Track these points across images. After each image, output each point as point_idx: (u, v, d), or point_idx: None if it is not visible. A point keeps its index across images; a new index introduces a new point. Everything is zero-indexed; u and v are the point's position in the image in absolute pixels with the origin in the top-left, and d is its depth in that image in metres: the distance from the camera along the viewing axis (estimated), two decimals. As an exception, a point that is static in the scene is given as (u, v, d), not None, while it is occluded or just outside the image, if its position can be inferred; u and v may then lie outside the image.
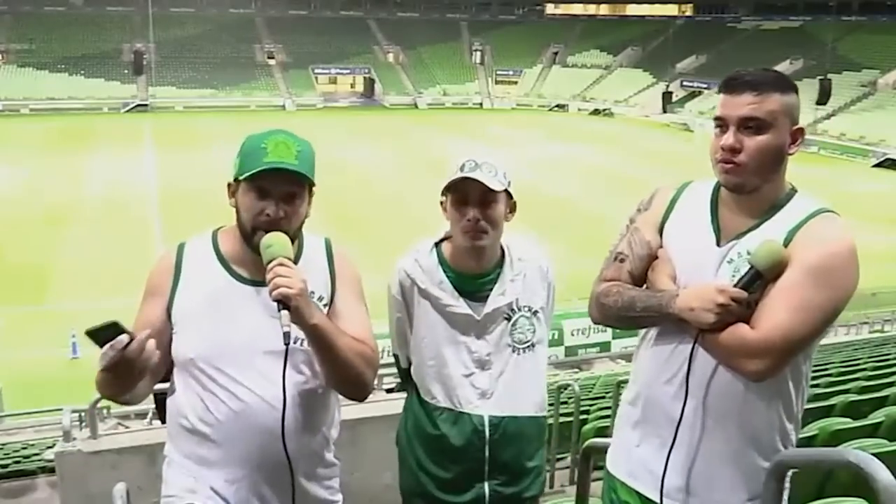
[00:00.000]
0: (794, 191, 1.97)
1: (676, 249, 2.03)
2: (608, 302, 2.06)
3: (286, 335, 1.93)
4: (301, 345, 2.06)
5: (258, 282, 2.07)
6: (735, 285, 1.86)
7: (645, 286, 2.07)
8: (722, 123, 1.92)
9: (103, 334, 1.83)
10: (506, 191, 2.36)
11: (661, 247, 2.06)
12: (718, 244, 1.96)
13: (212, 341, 2.08)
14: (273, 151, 2.02)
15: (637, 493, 2.09)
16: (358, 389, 2.16)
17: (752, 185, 1.91)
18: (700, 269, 1.95)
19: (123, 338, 1.83)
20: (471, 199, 2.31)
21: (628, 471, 2.12)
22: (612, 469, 2.19)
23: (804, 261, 1.83)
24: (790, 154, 1.93)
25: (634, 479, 2.10)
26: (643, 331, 2.13)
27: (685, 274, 1.99)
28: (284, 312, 1.94)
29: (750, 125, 1.87)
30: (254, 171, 2.01)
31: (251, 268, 2.10)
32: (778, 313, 1.81)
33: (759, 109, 1.87)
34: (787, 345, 1.82)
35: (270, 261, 1.97)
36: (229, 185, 2.13)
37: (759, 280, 1.84)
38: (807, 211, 1.90)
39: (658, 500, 2.02)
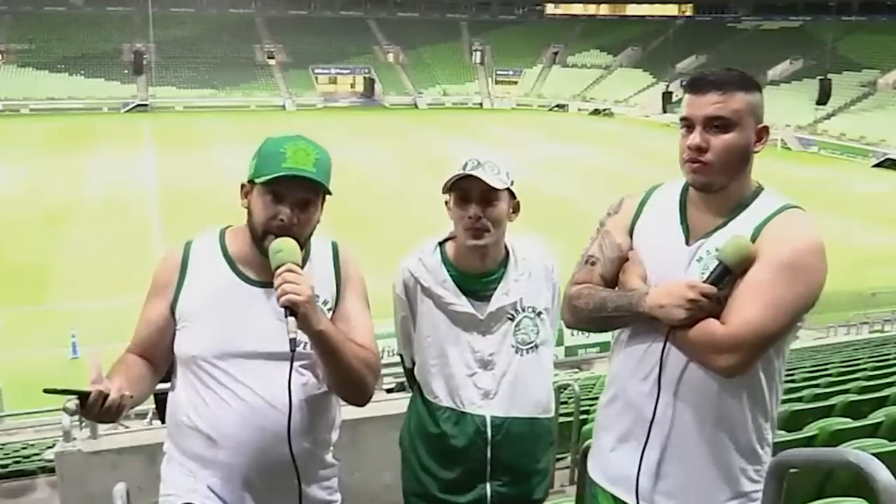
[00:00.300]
0: (760, 188, 1.99)
1: (646, 250, 2.05)
2: (580, 304, 2.07)
3: (293, 341, 1.93)
4: (305, 348, 2.06)
5: (265, 283, 2.08)
6: (704, 281, 1.87)
7: (616, 289, 2.07)
8: (688, 123, 1.93)
9: (63, 391, 1.87)
10: (509, 190, 2.36)
11: (631, 249, 2.08)
12: (687, 243, 1.97)
13: (216, 340, 2.08)
14: (291, 157, 2.02)
15: (615, 497, 2.08)
16: (359, 394, 2.16)
17: (719, 184, 1.92)
18: (670, 269, 1.96)
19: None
20: (472, 196, 2.32)
21: (605, 475, 2.12)
22: (592, 474, 2.19)
23: (773, 257, 1.84)
24: (756, 152, 1.95)
25: (613, 484, 2.09)
26: (617, 332, 2.13)
27: (656, 274, 2.00)
28: (291, 319, 1.94)
29: (716, 124, 1.89)
30: (271, 175, 2.01)
31: (258, 269, 2.10)
32: (748, 309, 1.82)
33: (725, 108, 1.88)
34: (758, 340, 1.82)
35: (279, 266, 1.97)
36: (243, 185, 2.12)
37: (728, 276, 1.86)
38: (773, 207, 1.92)
39: (611, 491, 2.02)
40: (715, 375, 1.88)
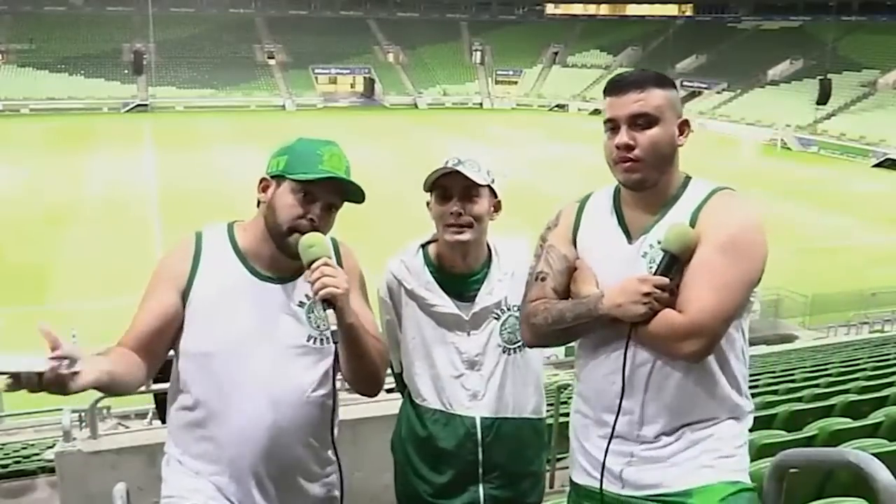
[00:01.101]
0: (688, 178, 2.05)
1: (592, 256, 2.08)
2: (538, 320, 2.08)
3: (335, 334, 1.96)
4: (324, 343, 2.12)
5: (275, 279, 2.11)
6: (654, 273, 1.91)
7: (570, 299, 2.09)
8: (613, 125, 1.98)
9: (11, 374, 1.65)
10: (490, 188, 2.37)
11: (577, 258, 2.11)
12: (629, 242, 2.02)
13: (226, 337, 2.07)
14: (328, 161, 2.06)
15: (588, 489, 2.10)
16: (374, 385, 2.21)
17: (652, 180, 1.97)
18: (618, 270, 1.99)
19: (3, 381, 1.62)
20: (454, 192, 2.33)
21: (583, 472, 2.13)
22: (572, 475, 2.20)
23: (714, 239, 1.89)
24: (680, 145, 2.01)
25: (584, 478, 2.11)
26: (577, 347, 2.15)
27: (605, 278, 2.03)
28: (330, 311, 1.96)
29: (640, 122, 1.94)
30: (313, 176, 2.04)
31: (269, 265, 2.12)
32: (701, 295, 1.86)
33: (647, 105, 1.95)
34: (717, 323, 1.87)
35: (313, 261, 1.98)
36: (262, 179, 2.13)
37: (676, 264, 1.90)
38: (704, 192, 1.98)
39: (599, 487, 2.03)
40: (679, 363, 1.92)
